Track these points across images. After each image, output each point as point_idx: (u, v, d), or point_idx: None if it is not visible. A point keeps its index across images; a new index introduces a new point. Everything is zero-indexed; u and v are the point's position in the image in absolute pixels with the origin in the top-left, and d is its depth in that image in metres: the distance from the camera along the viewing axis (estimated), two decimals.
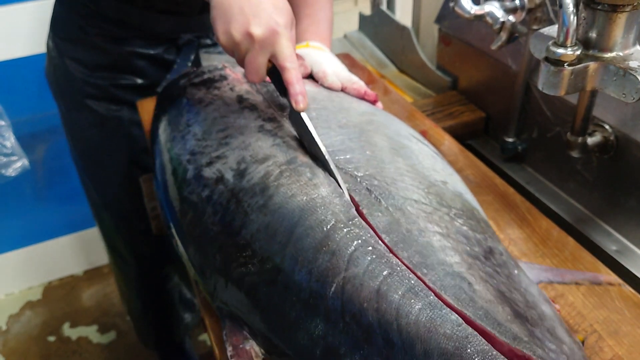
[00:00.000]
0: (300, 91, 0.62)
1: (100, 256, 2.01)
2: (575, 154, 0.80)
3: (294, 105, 0.63)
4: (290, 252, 0.53)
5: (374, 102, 0.82)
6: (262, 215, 0.57)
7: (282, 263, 0.53)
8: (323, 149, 0.60)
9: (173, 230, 0.68)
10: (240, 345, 0.56)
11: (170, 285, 1.39)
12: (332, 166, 0.58)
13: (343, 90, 0.82)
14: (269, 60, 0.63)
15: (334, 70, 0.83)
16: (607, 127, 0.79)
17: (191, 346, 1.56)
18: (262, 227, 0.56)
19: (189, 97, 0.78)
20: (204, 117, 0.72)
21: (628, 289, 0.65)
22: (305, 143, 0.63)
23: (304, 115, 0.63)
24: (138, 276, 1.35)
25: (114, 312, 1.84)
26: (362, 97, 0.81)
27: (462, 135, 1.06)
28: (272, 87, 0.74)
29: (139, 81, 1.11)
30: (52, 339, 1.77)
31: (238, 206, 0.59)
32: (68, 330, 1.79)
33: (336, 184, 0.57)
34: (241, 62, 0.64)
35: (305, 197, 0.56)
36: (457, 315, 0.44)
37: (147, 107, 1.01)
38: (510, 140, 0.99)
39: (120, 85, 1.11)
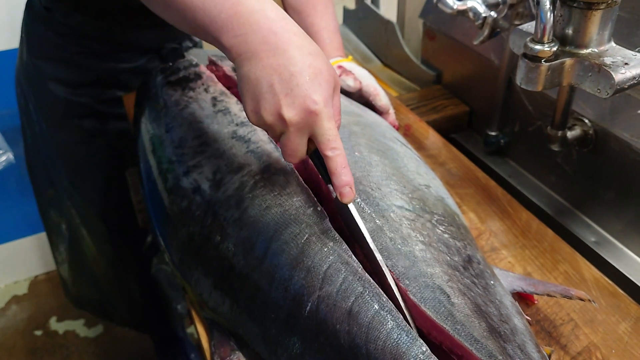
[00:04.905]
0: (347, 182, 0.52)
1: None
2: (555, 147, 0.82)
3: (339, 197, 0.53)
4: (267, 268, 0.54)
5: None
6: (238, 229, 0.57)
7: (260, 280, 0.54)
8: (372, 244, 0.52)
9: (159, 238, 0.69)
10: (228, 358, 0.57)
11: (156, 271, 1.39)
12: (382, 264, 0.51)
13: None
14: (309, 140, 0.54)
15: (382, 91, 0.87)
16: (586, 121, 0.81)
17: (185, 333, 1.57)
18: (239, 242, 0.57)
19: (166, 99, 0.78)
20: (180, 123, 0.73)
21: (605, 281, 0.67)
22: (350, 232, 0.55)
23: (351, 207, 0.53)
24: (133, 269, 1.35)
25: None
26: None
27: (446, 129, 1.08)
28: None
29: (123, 93, 1.09)
30: (38, 333, 1.77)
31: (215, 219, 0.60)
32: (55, 325, 1.79)
33: (309, 192, 0.57)
34: (276, 141, 0.55)
35: (279, 209, 0.56)
36: (422, 342, 0.44)
37: (132, 100, 1.01)
38: (493, 134, 1.01)
39: (105, 100, 1.08)
